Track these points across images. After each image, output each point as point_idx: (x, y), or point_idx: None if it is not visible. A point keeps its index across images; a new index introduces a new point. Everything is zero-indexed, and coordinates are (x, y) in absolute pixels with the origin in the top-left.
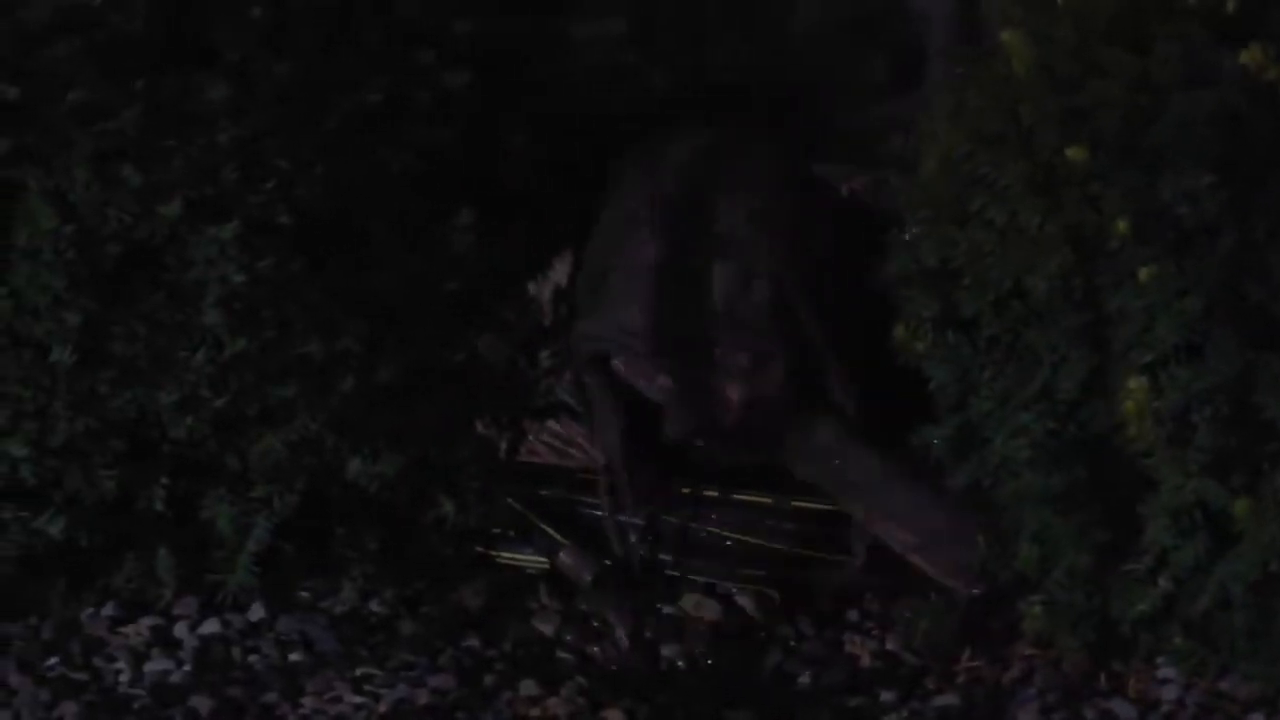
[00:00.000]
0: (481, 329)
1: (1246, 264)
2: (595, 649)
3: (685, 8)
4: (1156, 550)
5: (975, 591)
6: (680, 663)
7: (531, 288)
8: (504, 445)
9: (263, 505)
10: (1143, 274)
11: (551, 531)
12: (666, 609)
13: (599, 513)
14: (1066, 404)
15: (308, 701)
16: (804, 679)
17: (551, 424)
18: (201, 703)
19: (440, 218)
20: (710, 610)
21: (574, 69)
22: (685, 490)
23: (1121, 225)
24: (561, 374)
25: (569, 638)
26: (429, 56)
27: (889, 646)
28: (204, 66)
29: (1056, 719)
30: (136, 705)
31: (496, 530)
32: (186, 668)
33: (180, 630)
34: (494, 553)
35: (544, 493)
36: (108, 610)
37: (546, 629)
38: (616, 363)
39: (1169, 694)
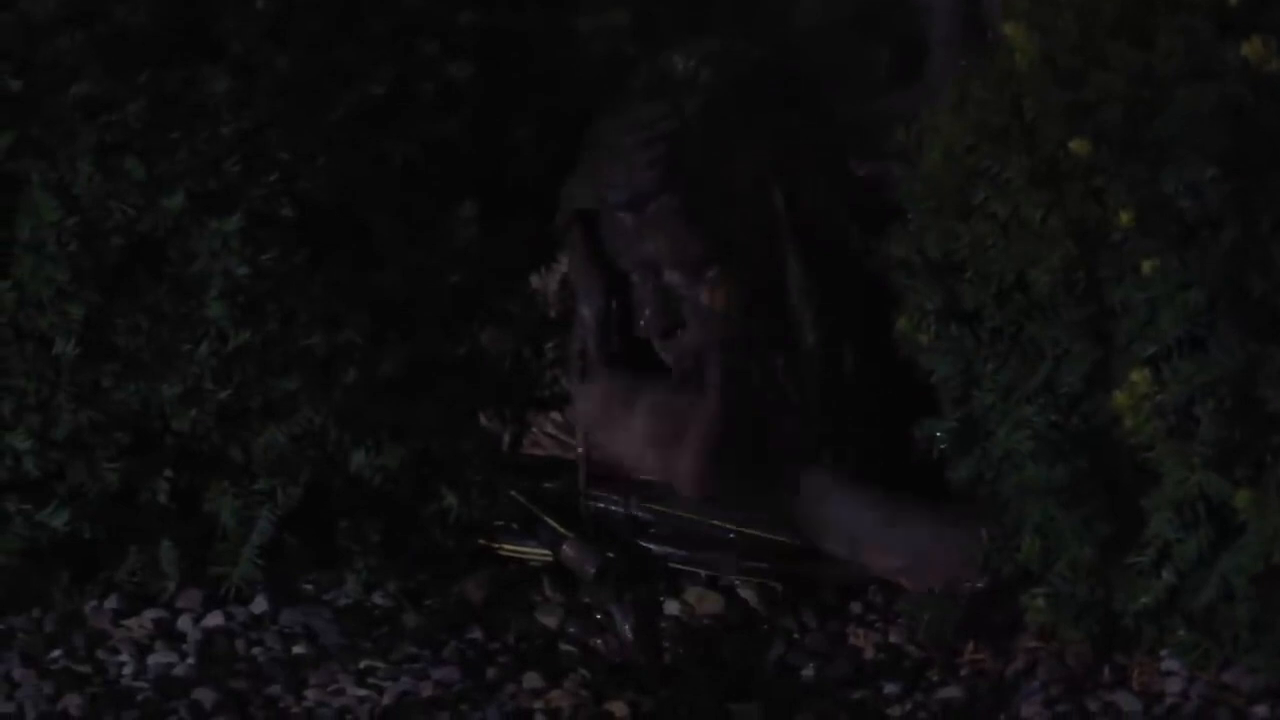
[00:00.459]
0: (484, 322)
1: (1249, 257)
2: (599, 641)
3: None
4: (1159, 543)
5: (979, 585)
6: (683, 655)
7: (536, 280)
8: (507, 438)
9: (266, 498)
10: (1145, 267)
11: (554, 524)
12: (669, 602)
13: (601, 504)
14: (1069, 397)
15: (311, 694)
16: (807, 671)
17: (555, 415)
18: (205, 695)
19: (443, 210)
20: (713, 603)
21: (578, 61)
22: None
23: (1124, 218)
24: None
25: (572, 630)
26: (433, 48)
27: (892, 639)
28: (207, 59)
29: (1060, 711)
30: (140, 698)
31: (499, 523)
32: (190, 660)
33: (184, 623)
34: (497, 545)
35: (547, 485)
36: (111, 603)
37: (550, 621)
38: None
39: (1173, 686)
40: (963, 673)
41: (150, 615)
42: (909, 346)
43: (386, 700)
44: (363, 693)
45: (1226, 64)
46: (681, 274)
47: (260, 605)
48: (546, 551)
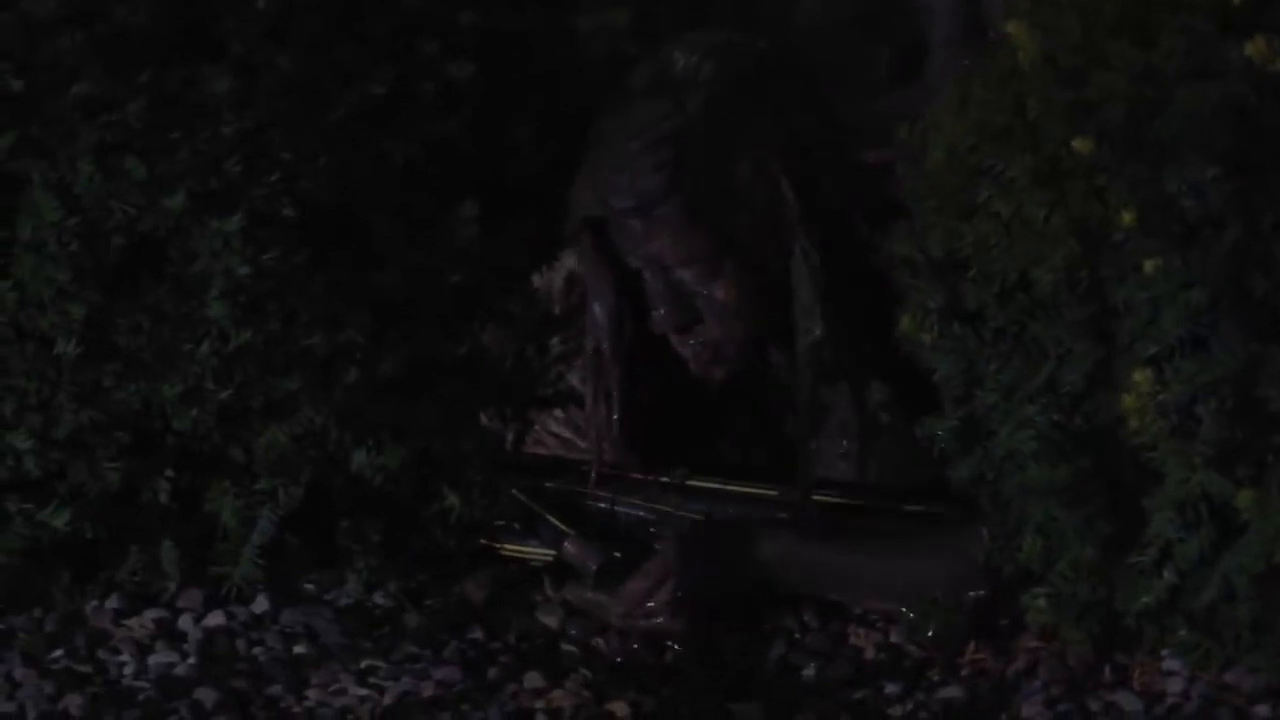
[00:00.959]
0: (485, 321)
1: (1252, 256)
2: (600, 641)
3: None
4: (1161, 543)
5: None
6: (684, 655)
7: (538, 279)
8: (510, 438)
9: (267, 498)
10: (1148, 266)
11: (556, 522)
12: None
13: (602, 504)
14: (1072, 396)
15: (312, 694)
16: (808, 671)
17: (557, 413)
18: (206, 695)
19: (444, 210)
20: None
21: (578, 61)
22: (688, 482)
23: (1127, 217)
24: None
25: (573, 630)
26: (434, 48)
27: (893, 639)
28: (208, 59)
29: (1061, 711)
30: (141, 697)
31: (501, 523)
32: (191, 660)
33: (185, 623)
34: (498, 545)
35: (549, 485)
36: (112, 603)
37: (551, 621)
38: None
39: (1174, 686)
40: (964, 673)
41: (151, 615)
42: (912, 345)
43: (388, 700)
44: (364, 692)
45: (1229, 63)
46: (693, 271)
47: (261, 605)
48: (548, 550)
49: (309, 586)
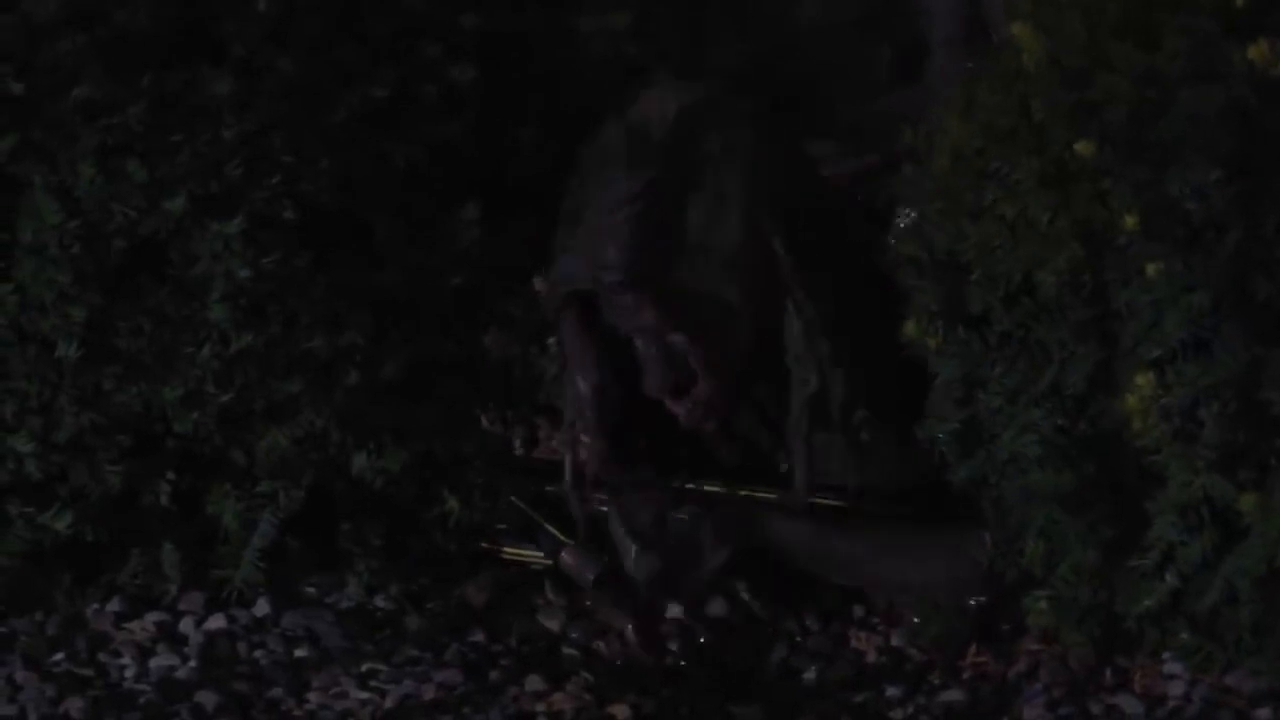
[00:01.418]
0: (486, 324)
1: (1254, 259)
2: (601, 644)
3: (688, 2)
4: (1163, 546)
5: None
6: (685, 658)
7: (539, 283)
8: (518, 442)
9: (268, 501)
10: (1150, 269)
11: (554, 531)
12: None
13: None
14: (1075, 400)
15: (313, 697)
16: (809, 674)
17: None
18: (207, 698)
19: (445, 212)
20: (715, 606)
21: (579, 62)
22: (688, 485)
23: (1130, 220)
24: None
25: (574, 633)
26: (435, 50)
27: (894, 642)
28: (209, 61)
29: (1062, 714)
30: (142, 701)
31: (501, 526)
32: (192, 663)
33: (186, 626)
34: (499, 548)
35: (549, 489)
36: (113, 606)
37: (552, 624)
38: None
39: (1175, 689)
40: (965, 675)
41: (152, 618)
42: (917, 349)
43: (389, 703)
44: (365, 695)
45: (1232, 66)
46: (686, 335)
47: (262, 608)
48: (547, 557)
49: (310, 589)
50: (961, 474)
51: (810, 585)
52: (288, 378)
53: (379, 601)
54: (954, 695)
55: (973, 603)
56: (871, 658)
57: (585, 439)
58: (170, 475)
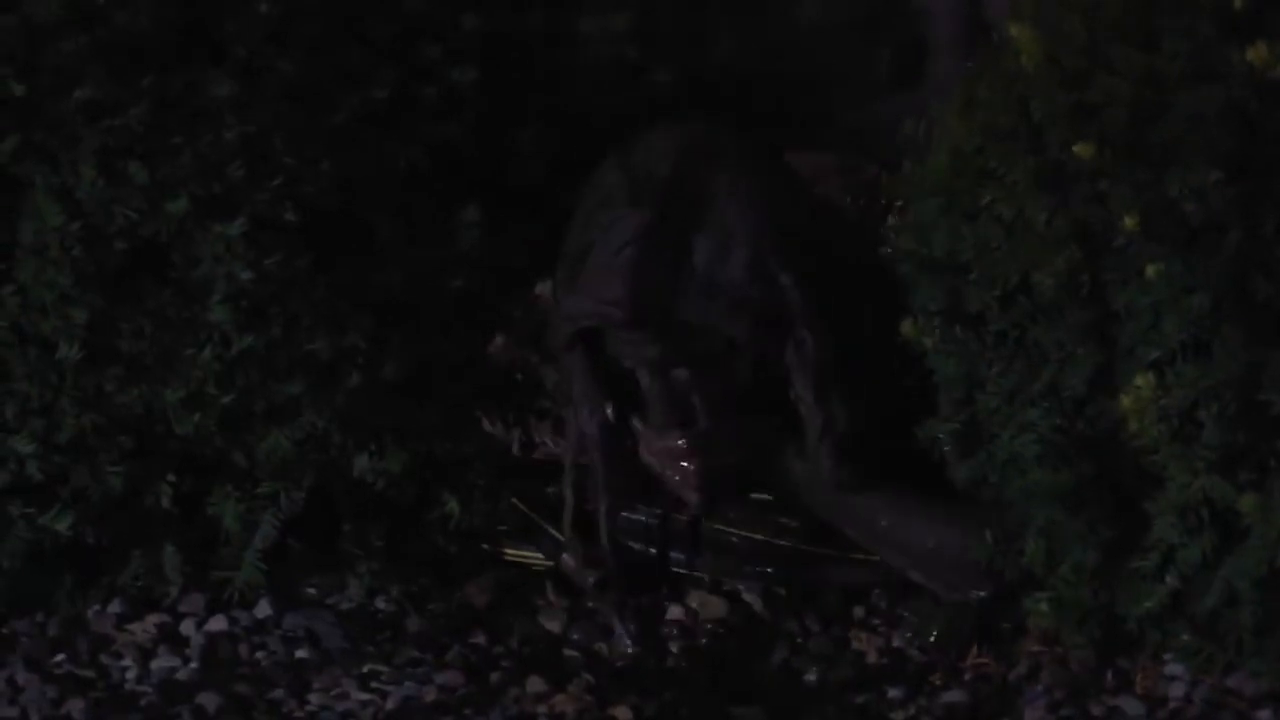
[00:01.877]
0: (487, 326)
1: (1253, 260)
2: (602, 646)
3: (689, 3)
4: (1163, 547)
5: (982, 594)
6: (686, 660)
7: (541, 287)
8: (516, 443)
9: (269, 502)
10: (1150, 271)
11: (555, 533)
12: (672, 606)
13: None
14: (1073, 401)
15: (314, 698)
16: (811, 676)
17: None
18: (208, 700)
19: (446, 213)
20: (716, 608)
21: (580, 64)
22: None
23: (1129, 222)
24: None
25: (576, 635)
26: (436, 52)
27: (895, 643)
28: (210, 63)
29: (1064, 715)
30: (143, 702)
31: (502, 527)
32: (193, 665)
33: (187, 627)
34: (500, 549)
35: (549, 490)
36: (114, 607)
37: (553, 626)
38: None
39: (1176, 690)
40: (966, 677)
41: (153, 619)
42: (915, 348)
43: (390, 705)
44: (366, 697)
45: (1232, 67)
46: (690, 370)
47: (263, 609)
48: (548, 559)
49: (311, 591)
50: (962, 474)
51: (810, 586)
52: (289, 379)
53: (380, 603)
54: (955, 696)
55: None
56: (873, 659)
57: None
58: (171, 477)
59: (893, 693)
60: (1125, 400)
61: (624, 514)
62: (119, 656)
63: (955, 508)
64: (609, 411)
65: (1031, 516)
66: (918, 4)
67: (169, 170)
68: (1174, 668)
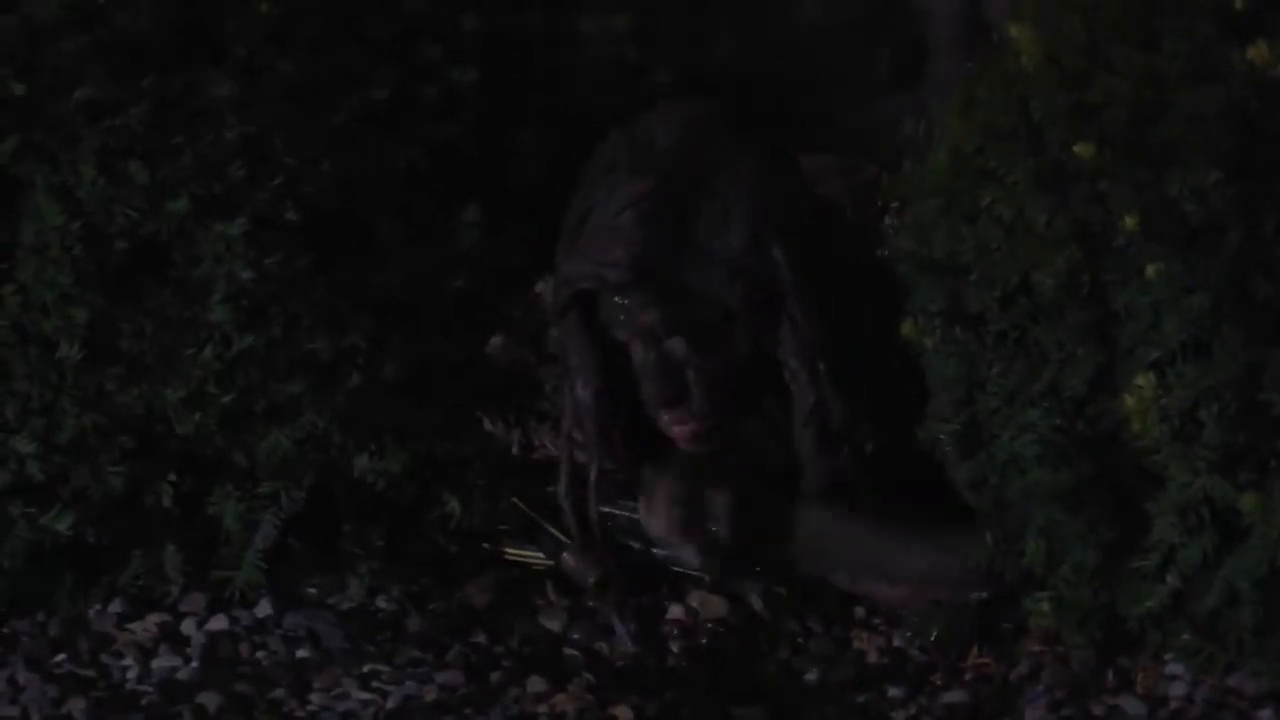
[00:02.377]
0: (487, 326)
1: (1254, 260)
2: (603, 645)
3: (689, 3)
4: (1164, 547)
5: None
6: (687, 660)
7: (540, 286)
8: (516, 443)
9: (270, 502)
10: (1150, 271)
11: (556, 532)
12: (673, 606)
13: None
14: (1074, 401)
15: (315, 698)
16: (811, 675)
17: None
18: (209, 699)
19: (446, 213)
20: (717, 607)
21: (580, 64)
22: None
23: (1129, 222)
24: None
25: (576, 634)
26: (436, 52)
27: (896, 643)
28: (211, 63)
29: (1065, 715)
30: (144, 702)
31: (503, 527)
32: (194, 664)
33: (188, 626)
34: (500, 549)
35: (550, 489)
36: (115, 607)
37: (553, 625)
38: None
39: (1177, 690)
40: (967, 677)
41: (154, 619)
42: (915, 348)
43: (390, 704)
44: (367, 696)
45: (1232, 67)
46: (686, 341)
47: (264, 609)
48: (549, 559)
49: (311, 590)
50: (962, 474)
51: (812, 586)
52: (289, 379)
53: (380, 602)
54: (956, 696)
55: (976, 597)
56: (873, 659)
57: (582, 450)
58: (172, 476)
59: (893, 692)
60: (1128, 400)
61: (622, 513)
62: (120, 656)
63: (949, 531)
64: (603, 381)
65: (1032, 517)
66: (918, 4)
67: (169, 170)
68: (1175, 667)
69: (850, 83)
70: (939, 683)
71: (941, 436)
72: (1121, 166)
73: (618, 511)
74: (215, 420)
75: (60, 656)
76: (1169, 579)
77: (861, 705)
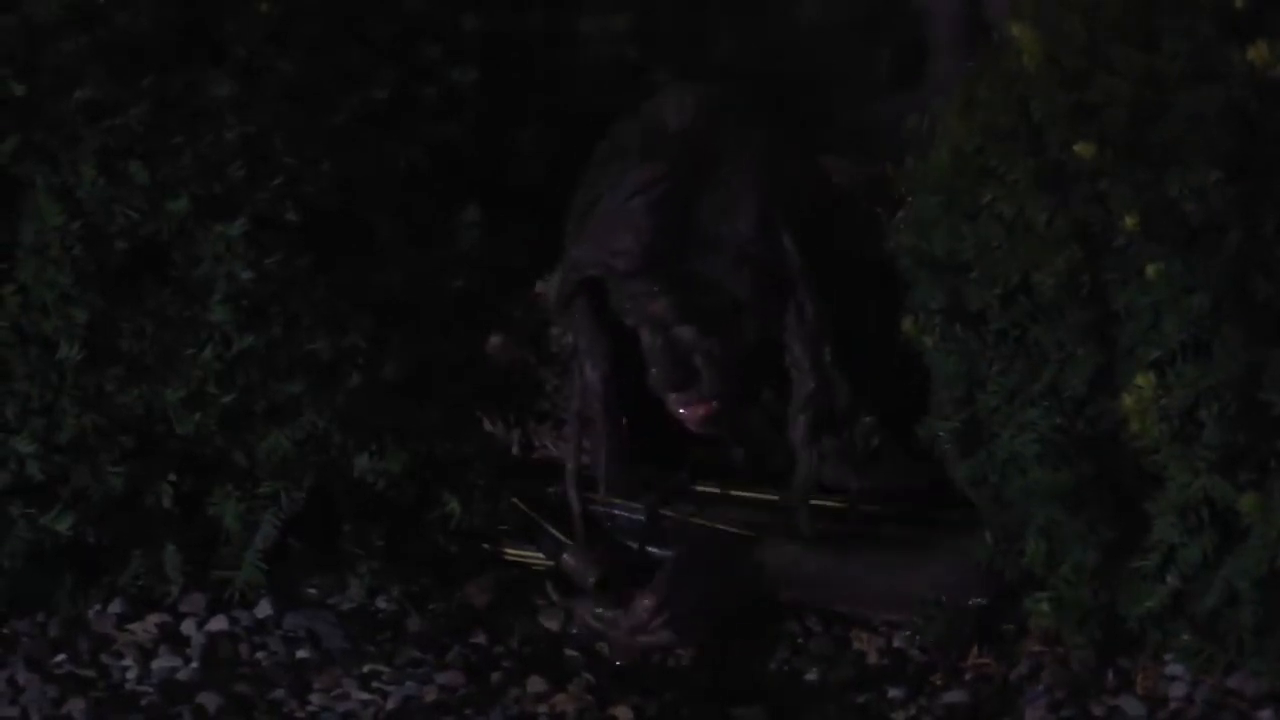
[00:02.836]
0: (487, 326)
1: (1254, 260)
2: (603, 645)
3: (689, 3)
4: (1164, 547)
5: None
6: (687, 660)
7: (541, 285)
8: (516, 443)
9: (270, 502)
10: (1150, 271)
11: (555, 533)
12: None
13: (600, 507)
14: (1074, 400)
15: (315, 698)
16: (811, 676)
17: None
18: (209, 699)
19: (446, 213)
20: None
21: (580, 64)
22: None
23: (1129, 221)
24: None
25: (576, 635)
26: (436, 51)
27: (896, 643)
28: (211, 63)
29: (1065, 715)
30: (144, 702)
31: (503, 527)
32: (194, 665)
33: (187, 627)
34: (500, 549)
35: (550, 489)
36: (115, 607)
37: (553, 625)
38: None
39: (1177, 691)
40: (967, 677)
41: (154, 619)
42: (915, 346)
43: (391, 704)
44: (367, 697)
45: (1232, 67)
46: (694, 328)
47: (264, 609)
48: (549, 559)
49: (311, 591)
50: (962, 473)
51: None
52: (289, 379)
53: (380, 603)
54: (956, 696)
55: (975, 603)
56: (873, 659)
57: (588, 435)
58: (172, 476)
59: (893, 693)
60: (1127, 400)
61: (622, 514)
62: (120, 656)
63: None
64: (611, 364)
65: (1032, 516)
66: (918, 4)
67: (169, 170)
68: (1175, 668)
69: (850, 83)
70: (939, 683)
71: (941, 434)
72: (1121, 166)
73: (618, 512)
74: (215, 420)
75: (60, 657)
76: (1169, 579)
77: (861, 705)
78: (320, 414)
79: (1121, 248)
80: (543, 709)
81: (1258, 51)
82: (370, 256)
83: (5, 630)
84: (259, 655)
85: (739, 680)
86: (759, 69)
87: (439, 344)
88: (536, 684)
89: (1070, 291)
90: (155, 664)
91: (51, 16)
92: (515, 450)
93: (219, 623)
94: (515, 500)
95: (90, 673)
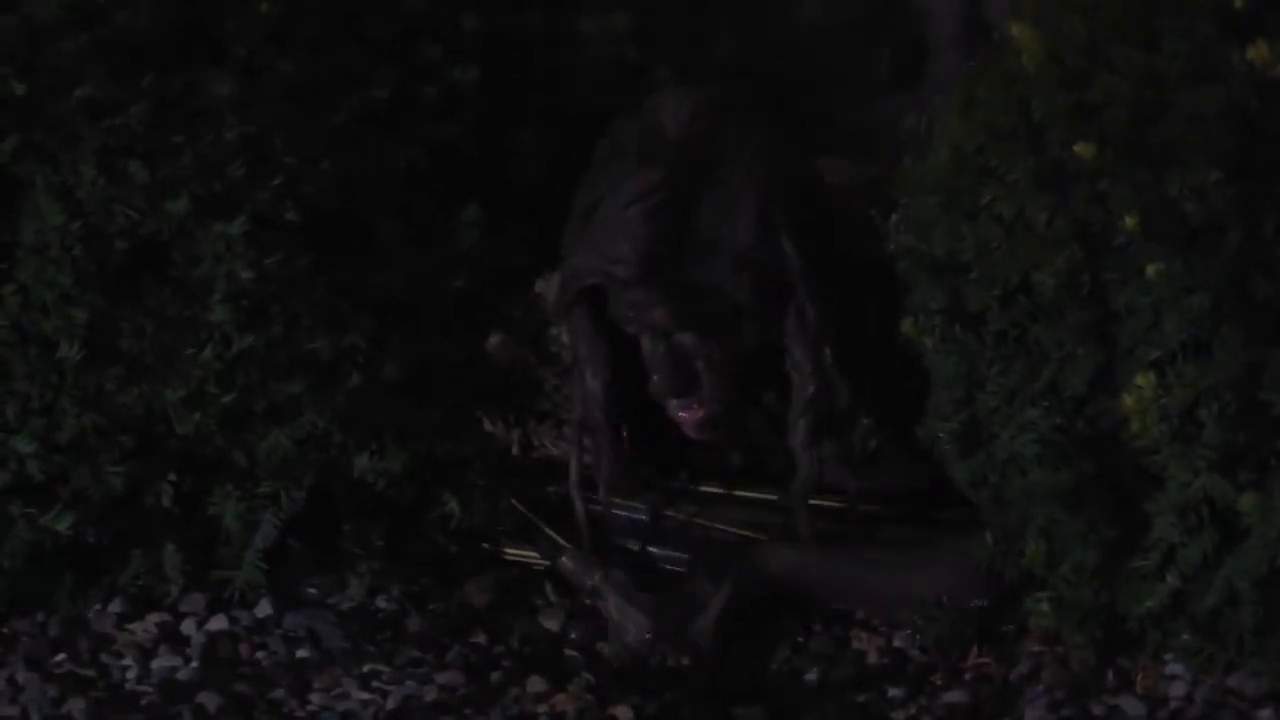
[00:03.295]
0: (487, 326)
1: (1254, 260)
2: (603, 645)
3: (689, 3)
4: (1164, 547)
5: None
6: (687, 660)
7: (540, 285)
8: (516, 443)
9: (270, 501)
10: (1150, 270)
11: (554, 535)
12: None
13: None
14: (1074, 400)
15: (315, 698)
16: (811, 675)
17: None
18: (209, 699)
19: (446, 213)
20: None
21: (580, 64)
22: (689, 486)
23: (1129, 221)
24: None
25: (576, 634)
26: (436, 51)
27: (896, 643)
28: (211, 63)
29: (1064, 715)
30: (144, 702)
31: (502, 527)
32: (194, 664)
33: (187, 627)
34: (500, 549)
35: (549, 489)
36: (115, 607)
37: (553, 625)
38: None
39: (1177, 690)
40: (967, 677)
41: (154, 619)
42: (914, 347)
43: (390, 704)
44: (367, 696)
45: (1232, 67)
46: (695, 333)
47: (264, 609)
48: (546, 561)
49: (311, 590)
50: (962, 474)
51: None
52: (289, 379)
53: (380, 602)
54: (956, 696)
55: (975, 603)
56: (874, 659)
57: (590, 441)
58: (172, 476)
59: (893, 692)
60: (1127, 400)
61: (622, 514)
62: (120, 656)
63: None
64: (612, 372)
65: (1032, 516)
66: (918, 4)
67: (169, 170)
68: (1175, 667)
69: (850, 83)
70: (939, 683)
71: (941, 435)
72: (1121, 166)
73: (618, 512)
74: (215, 420)
75: (60, 656)
76: (1169, 579)
77: (861, 705)
78: (320, 414)
79: (1121, 247)
80: (543, 709)
81: (1258, 51)
82: (370, 256)
83: (5, 630)
84: (259, 655)
85: (739, 680)
86: (759, 69)
87: (439, 344)
88: (536, 684)
89: (1070, 291)
90: (155, 664)
91: (51, 16)
92: (515, 450)
93: (219, 622)
94: (514, 501)
95: (90, 672)
